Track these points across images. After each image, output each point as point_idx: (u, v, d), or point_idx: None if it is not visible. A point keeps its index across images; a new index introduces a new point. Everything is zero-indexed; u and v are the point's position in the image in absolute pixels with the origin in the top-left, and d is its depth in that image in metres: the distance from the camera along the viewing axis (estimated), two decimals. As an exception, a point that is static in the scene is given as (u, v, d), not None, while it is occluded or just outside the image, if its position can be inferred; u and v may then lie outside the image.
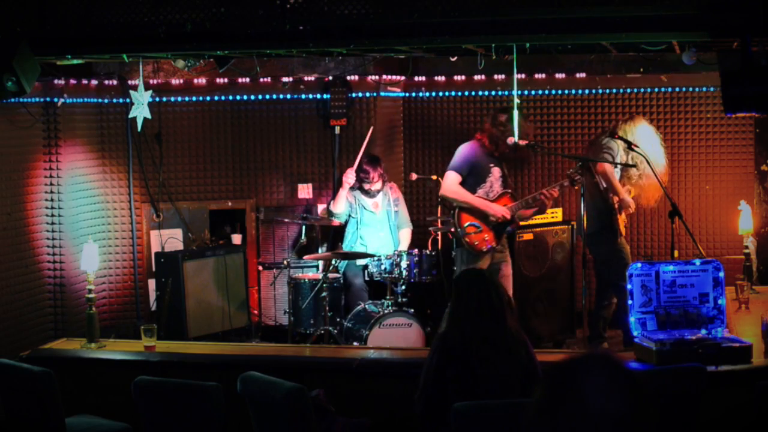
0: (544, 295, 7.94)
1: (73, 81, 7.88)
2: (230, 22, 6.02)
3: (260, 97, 8.63)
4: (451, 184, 7.01)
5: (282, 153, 8.72)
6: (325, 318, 7.49)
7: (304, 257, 8.18)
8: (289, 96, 8.65)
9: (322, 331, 7.52)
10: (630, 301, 5.40)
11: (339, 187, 8.17)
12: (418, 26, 5.87)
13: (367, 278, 7.91)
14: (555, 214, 8.14)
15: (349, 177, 7.98)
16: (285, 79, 8.51)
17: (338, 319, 7.70)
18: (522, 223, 7.89)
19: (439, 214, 7.85)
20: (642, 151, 6.86)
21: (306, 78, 8.65)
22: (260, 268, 8.67)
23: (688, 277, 5.41)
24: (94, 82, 8.13)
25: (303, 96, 8.66)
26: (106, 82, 8.21)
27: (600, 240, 7.17)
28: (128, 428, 5.20)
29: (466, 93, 8.92)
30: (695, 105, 8.66)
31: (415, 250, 7.58)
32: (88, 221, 8.10)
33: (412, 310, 7.47)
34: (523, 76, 8.62)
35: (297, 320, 7.76)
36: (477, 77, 8.84)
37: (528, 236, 7.87)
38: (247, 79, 8.50)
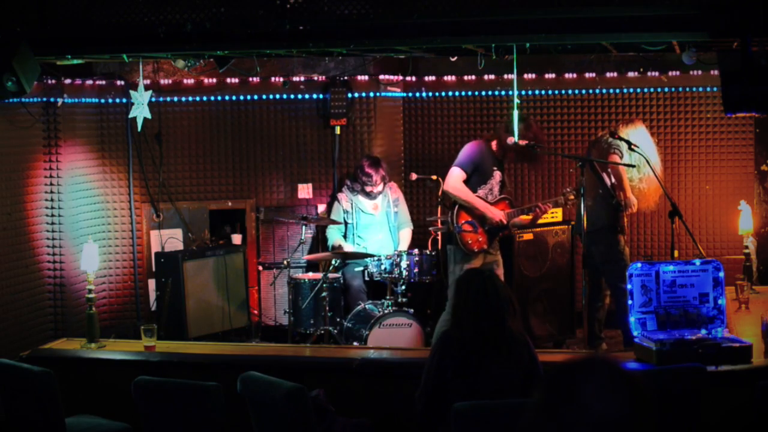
0: (544, 295, 7.94)
1: (73, 81, 7.88)
2: (230, 22, 6.02)
3: (260, 97, 8.63)
4: (455, 180, 6.98)
5: (282, 153, 8.71)
6: (325, 318, 7.49)
7: (304, 257, 8.19)
8: (289, 96, 8.65)
9: (322, 331, 7.52)
10: (630, 301, 5.40)
11: (338, 189, 8.21)
12: (418, 26, 5.87)
13: (366, 278, 7.91)
14: (555, 214, 8.14)
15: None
16: (285, 79, 8.51)
17: (338, 319, 7.70)
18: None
19: (438, 214, 7.85)
20: (642, 151, 6.86)
21: (306, 78, 8.65)
22: (260, 268, 8.67)
23: (688, 277, 5.41)
24: (94, 82, 8.13)
25: (303, 96, 8.66)
26: (106, 82, 8.21)
27: (601, 239, 7.17)
28: (128, 428, 5.20)
29: (466, 93, 8.92)
30: (695, 105, 8.66)
31: (415, 250, 7.58)
32: (88, 221, 8.10)
33: (412, 310, 7.47)
34: (524, 76, 8.62)
35: (297, 320, 7.77)
36: (477, 77, 8.84)
37: (528, 236, 7.87)
38: (247, 79, 8.50)
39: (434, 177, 8.13)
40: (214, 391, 4.48)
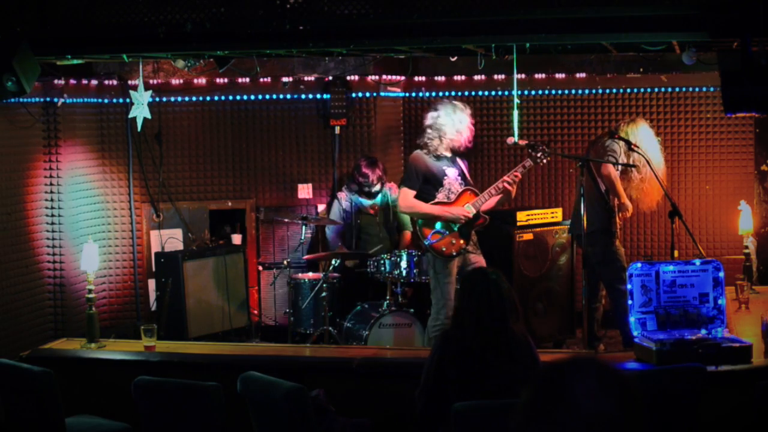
0: (544, 295, 7.94)
1: (73, 81, 7.89)
2: (230, 22, 6.02)
3: (260, 97, 8.63)
4: (404, 199, 6.85)
5: (282, 153, 8.72)
6: (325, 318, 7.49)
7: (304, 257, 8.19)
8: (289, 96, 8.65)
9: (322, 331, 7.52)
10: (630, 301, 5.40)
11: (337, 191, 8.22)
12: (418, 26, 5.87)
13: (371, 268, 7.84)
14: (555, 214, 8.14)
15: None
16: (285, 79, 8.51)
17: (338, 319, 7.70)
18: (521, 223, 7.89)
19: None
20: (642, 151, 6.86)
21: (306, 78, 8.65)
22: (260, 268, 8.68)
23: (688, 277, 5.41)
24: (94, 82, 8.13)
25: (303, 96, 8.66)
26: (106, 82, 8.21)
27: (595, 241, 7.17)
28: (128, 428, 5.20)
29: (466, 93, 8.92)
30: (695, 105, 8.67)
31: (415, 250, 7.57)
32: (88, 221, 8.10)
33: (412, 310, 7.47)
34: (523, 76, 8.63)
35: (297, 320, 7.77)
36: (477, 77, 8.84)
37: (528, 236, 7.87)
38: (247, 79, 8.50)
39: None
40: (214, 391, 4.48)
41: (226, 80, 8.48)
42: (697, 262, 5.45)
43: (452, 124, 6.85)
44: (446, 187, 6.85)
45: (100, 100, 8.21)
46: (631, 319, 5.39)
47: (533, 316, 7.80)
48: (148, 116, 7.21)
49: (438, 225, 6.83)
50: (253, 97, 8.62)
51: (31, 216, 7.58)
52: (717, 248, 8.47)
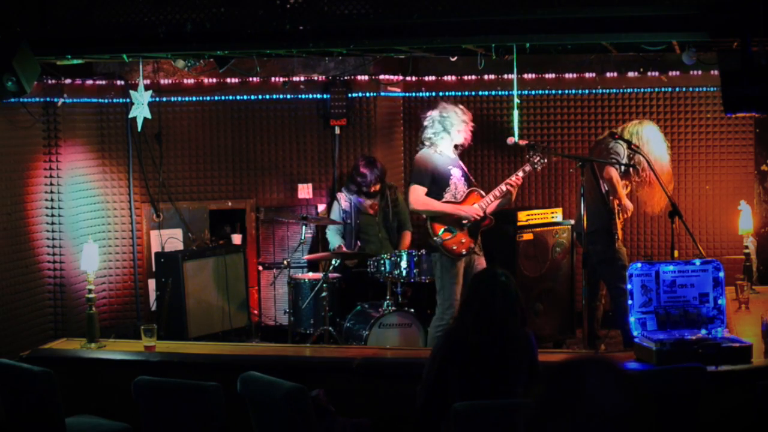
0: (544, 295, 7.94)
1: (73, 81, 7.88)
2: (230, 22, 6.02)
3: (260, 97, 8.63)
4: (417, 196, 6.90)
5: (282, 153, 8.72)
6: (325, 318, 7.49)
7: (304, 257, 8.19)
8: (289, 96, 8.65)
9: (322, 331, 7.52)
10: (630, 301, 5.40)
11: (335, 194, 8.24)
12: (418, 26, 5.87)
13: (371, 269, 7.85)
14: (555, 214, 8.14)
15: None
16: (285, 79, 8.51)
17: (338, 319, 7.70)
18: (521, 223, 7.89)
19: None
20: (644, 152, 6.85)
21: (306, 78, 8.65)
22: (260, 268, 8.67)
23: (688, 277, 5.41)
24: (94, 82, 8.13)
25: (303, 96, 8.66)
26: (106, 82, 8.21)
27: (596, 240, 7.17)
28: (128, 428, 5.20)
29: (466, 93, 8.92)
30: (695, 105, 8.67)
31: (415, 251, 7.57)
32: (88, 221, 8.10)
33: (413, 310, 7.47)
34: (524, 76, 8.63)
35: (297, 320, 7.76)
36: (477, 77, 8.84)
37: (528, 236, 7.87)
38: (247, 79, 8.50)
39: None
40: (214, 391, 4.48)
41: (226, 80, 8.48)
42: (697, 262, 5.45)
43: (459, 122, 6.93)
44: (452, 188, 6.91)
45: (100, 100, 8.21)
46: (631, 319, 5.39)
47: (533, 316, 7.80)
48: (148, 116, 7.21)
49: (449, 223, 6.88)
50: (253, 97, 8.62)
51: (31, 216, 7.58)
52: (717, 248, 8.47)
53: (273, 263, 8.65)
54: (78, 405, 5.49)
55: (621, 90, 8.75)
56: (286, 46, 6.37)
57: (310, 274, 8.06)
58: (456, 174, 6.94)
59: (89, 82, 8.09)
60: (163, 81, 8.43)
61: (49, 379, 4.74)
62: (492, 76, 8.82)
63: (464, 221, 6.88)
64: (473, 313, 4.49)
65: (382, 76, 8.81)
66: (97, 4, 6.11)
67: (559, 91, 8.84)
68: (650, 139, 7.17)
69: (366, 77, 8.73)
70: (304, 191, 8.72)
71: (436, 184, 6.89)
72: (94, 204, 8.18)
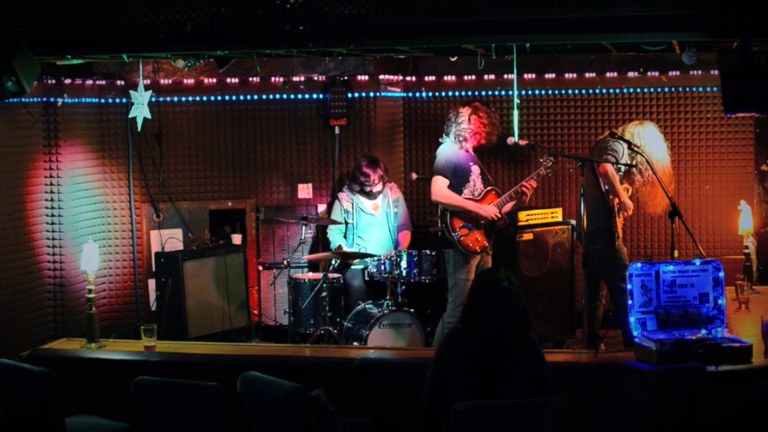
0: (544, 295, 7.94)
1: (73, 81, 7.88)
2: (230, 22, 6.02)
3: (260, 97, 8.63)
4: (441, 188, 7.07)
5: (282, 153, 8.72)
6: (325, 318, 7.49)
7: (304, 257, 8.19)
8: (289, 96, 8.65)
9: (322, 331, 7.52)
10: (630, 301, 5.40)
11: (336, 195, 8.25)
12: (418, 26, 5.87)
13: (367, 278, 7.90)
14: (555, 214, 8.14)
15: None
16: (285, 79, 8.51)
17: (338, 319, 7.70)
18: (521, 223, 7.90)
19: (439, 214, 7.85)
20: (642, 150, 6.85)
21: (306, 78, 8.65)
22: (260, 268, 8.67)
23: (688, 277, 5.41)
24: (94, 82, 8.13)
25: (303, 96, 8.66)
26: (106, 82, 8.21)
27: (597, 239, 7.18)
28: (128, 428, 5.20)
29: (466, 93, 8.92)
30: (695, 105, 8.67)
31: (415, 250, 7.58)
32: (88, 221, 8.10)
33: (413, 310, 7.48)
34: (524, 76, 8.62)
35: (297, 320, 7.76)
36: (477, 77, 8.84)
37: (528, 236, 7.87)
38: (247, 79, 8.50)
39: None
40: (214, 391, 4.48)
41: (226, 80, 8.48)
42: (697, 262, 5.45)
43: (489, 123, 7.13)
44: (471, 184, 7.07)
45: (100, 100, 8.21)
46: (631, 319, 5.39)
47: (533, 316, 7.80)
48: (148, 116, 7.21)
49: (467, 220, 6.97)
50: (253, 97, 8.62)
51: (31, 216, 7.58)
52: (717, 248, 8.47)
53: (273, 263, 8.65)
54: (78, 405, 5.49)
55: (621, 90, 8.75)
56: (286, 46, 6.37)
57: (310, 274, 8.06)
58: (475, 171, 7.16)
59: (89, 82, 8.09)
60: (163, 81, 8.43)
61: (49, 379, 4.74)
62: (492, 76, 8.81)
63: (482, 220, 6.97)
64: (475, 318, 4.47)
65: (382, 76, 8.81)
66: (97, 4, 6.11)
67: (559, 91, 8.84)
68: (651, 139, 7.18)
69: (366, 77, 8.73)
70: (304, 191, 8.72)
71: (458, 178, 7.07)
72: (94, 204, 8.18)
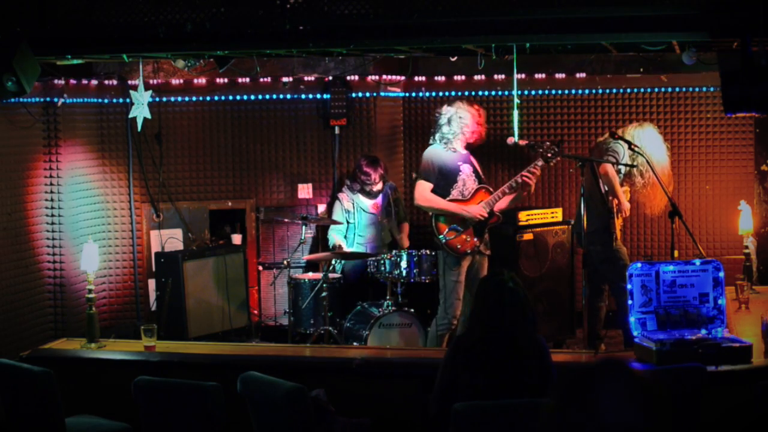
0: (544, 295, 7.94)
1: (73, 81, 7.88)
2: (230, 22, 6.02)
3: (260, 97, 8.63)
4: (421, 193, 6.98)
5: (282, 153, 8.72)
6: (325, 318, 7.49)
7: (304, 257, 8.18)
8: (289, 96, 8.65)
9: (322, 331, 7.52)
10: (630, 301, 5.40)
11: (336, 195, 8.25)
12: (418, 26, 5.87)
13: (370, 269, 7.85)
14: (555, 214, 8.14)
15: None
16: (285, 79, 8.51)
17: (338, 319, 7.70)
18: (521, 223, 7.90)
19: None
20: (642, 150, 6.85)
21: (306, 78, 8.65)
22: (260, 268, 8.67)
23: (688, 277, 5.41)
24: (94, 82, 8.13)
25: (303, 96, 8.66)
26: (106, 82, 8.21)
27: (596, 240, 7.18)
28: (128, 428, 5.20)
29: (466, 93, 8.92)
30: (695, 105, 8.67)
31: (415, 250, 7.57)
32: (88, 221, 8.10)
33: (413, 310, 7.47)
34: (523, 76, 8.62)
35: (297, 320, 7.76)
36: (477, 77, 8.84)
37: (528, 236, 7.87)
38: (247, 79, 8.50)
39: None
40: (214, 391, 4.48)
41: (226, 80, 8.48)
42: (697, 262, 5.45)
43: (473, 122, 6.98)
44: (460, 184, 6.98)
45: (100, 100, 8.21)
46: (631, 319, 5.39)
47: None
48: (148, 116, 7.21)
49: (453, 222, 6.91)
50: (253, 97, 8.62)
51: (31, 216, 7.58)
52: (717, 248, 8.47)
53: (273, 263, 8.65)
54: (78, 405, 5.49)
55: (621, 90, 8.75)
56: (286, 46, 6.37)
57: (310, 274, 8.06)
58: (465, 170, 7.03)
59: (89, 82, 8.09)
60: (163, 81, 8.43)
61: (49, 379, 4.74)
62: (492, 76, 8.82)
63: (468, 220, 6.92)
64: (483, 322, 4.45)
65: (382, 76, 8.81)
66: (97, 4, 6.11)
67: (559, 91, 8.84)
68: (650, 141, 7.18)
69: (366, 77, 8.73)
70: (304, 191, 8.72)
71: (445, 179, 6.97)
72: (94, 204, 8.18)
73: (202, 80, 8.47)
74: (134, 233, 8.36)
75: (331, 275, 7.70)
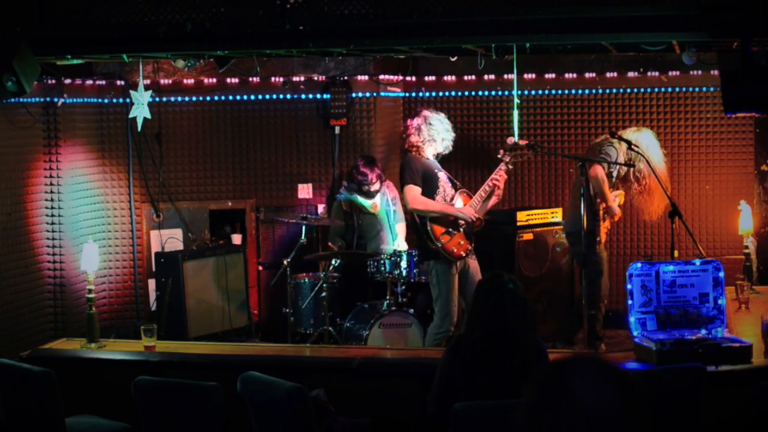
0: (544, 295, 7.94)
1: (73, 81, 7.88)
2: (230, 22, 6.02)
3: (260, 97, 8.63)
4: (416, 196, 6.79)
5: (282, 153, 8.72)
6: (325, 318, 7.49)
7: (304, 257, 8.18)
8: (289, 96, 8.65)
9: (322, 331, 7.52)
10: (630, 301, 5.40)
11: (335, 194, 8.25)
12: (418, 26, 5.87)
13: (372, 269, 7.84)
14: (555, 214, 8.15)
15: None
16: (285, 79, 8.51)
17: (338, 319, 7.70)
18: (521, 223, 7.90)
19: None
20: (642, 150, 6.86)
21: (306, 78, 8.65)
22: (260, 268, 8.67)
23: (688, 277, 5.41)
24: (94, 82, 8.13)
25: (303, 96, 8.66)
26: (106, 82, 8.21)
27: (579, 241, 7.20)
28: (128, 428, 5.20)
29: (466, 93, 8.92)
30: (695, 105, 8.67)
31: (415, 250, 7.57)
32: (88, 221, 8.10)
33: (412, 310, 7.47)
34: (524, 76, 8.62)
35: (297, 320, 7.76)
36: (477, 77, 8.84)
37: (528, 236, 7.88)
38: (247, 79, 8.50)
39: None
40: (214, 391, 4.48)
41: (226, 80, 8.48)
42: (697, 262, 5.45)
43: (444, 130, 6.96)
44: (441, 190, 6.90)
45: (100, 100, 8.21)
46: (631, 319, 5.39)
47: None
48: (148, 116, 7.21)
49: (446, 225, 6.86)
50: (253, 97, 8.62)
51: (31, 216, 7.58)
52: (717, 248, 8.47)
53: (273, 263, 8.64)
54: (78, 405, 5.49)
55: (621, 90, 8.75)
56: (286, 46, 6.37)
57: (310, 274, 8.06)
58: (443, 177, 6.95)
59: (89, 82, 8.09)
60: (163, 81, 8.43)
61: (49, 379, 4.74)
62: (492, 76, 8.82)
63: (461, 222, 6.86)
64: (482, 323, 4.44)
65: (382, 76, 8.81)
66: (97, 4, 6.11)
67: (559, 91, 8.84)
68: (647, 146, 7.19)
69: (366, 77, 8.74)
70: (304, 191, 8.72)
71: (427, 185, 6.85)
72: (94, 204, 8.18)
73: (202, 80, 8.47)
74: (134, 233, 8.36)
75: (331, 275, 7.69)
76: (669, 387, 4.52)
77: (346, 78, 8.66)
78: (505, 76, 8.70)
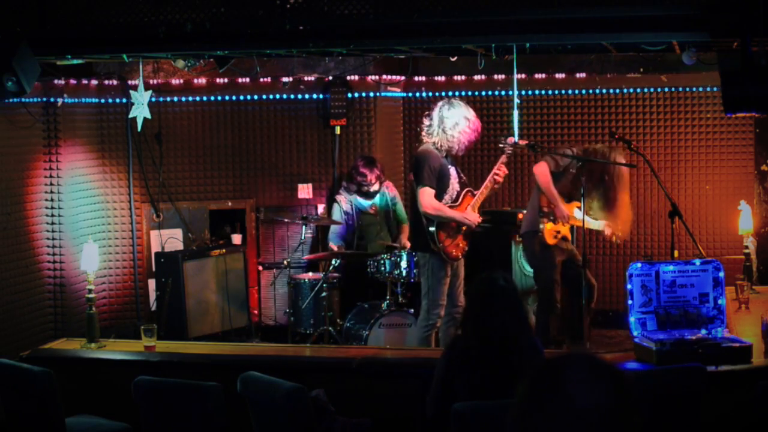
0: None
1: (73, 81, 7.88)
2: (230, 22, 6.02)
3: (260, 97, 8.63)
4: (430, 201, 6.67)
5: (282, 153, 8.72)
6: (325, 318, 7.49)
7: (304, 257, 8.18)
8: (289, 96, 8.65)
9: (322, 331, 7.52)
10: (630, 301, 5.40)
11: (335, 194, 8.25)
12: (418, 26, 5.87)
13: (371, 269, 7.83)
14: (555, 214, 8.13)
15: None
16: (285, 79, 8.51)
17: (338, 320, 7.70)
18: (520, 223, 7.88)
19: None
20: (644, 155, 6.86)
21: (306, 78, 8.65)
22: (260, 268, 8.68)
23: (688, 277, 5.41)
24: (94, 82, 8.13)
25: (303, 96, 8.66)
26: (106, 82, 8.21)
27: (528, 243, 7.21)
28: (128, 428, 5.20)
29: (466, 93, 8.92)
30: (695, 105, 8.67)
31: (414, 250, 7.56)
32: (88, 221, 8.10)
33: (412, 311, 7.47)
34: (523, 76, 8.62)
35: (297, 320, 7.77)
36: (477, 77, 8.84)
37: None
38: (247, 79, 8.50)
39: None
40: (214, 391, 4.48)
41: (226, 80, 8.48)
42: (697, 262, 5.45)
43: (466, 125, 6.76)
44: (451, 188, 6.82)
45: (100, 100, 8.21)
46: (631, 319, 5.39)
47: (533, 316, 7.78)
48: (148, 116, 7.21)
49: (449, 229, 6.83)
50: (253, 97, 8.62)
51: (31, 216, 7.58)
52: (717, 248, 8.47)
53: (273, 263, 8.65)
54: (78, 405, 5.49)
55: (621, 90, 8.75)
56: (286, 46, 6.37)
57: (310, 274, 8.06)
58: (453, 174, 6.88)
59: (89, 82, 8.09)
60: (163, 81, 8.43)
61: (49, 379, 4.74)
62: (492, 76, 8.82)
63: (464, 227, 6.83)
64: (475, 320, 4.44)
65: (382, 76, 8.81)
66: (97, 4, 6.11)
67: (559, 91, 8.84)
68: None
69: (366, 77, 8.74)
70: (304, 191, 8.72)
71: (440, 185, 6.78)
72: (94, 204, 8.18)
73: (202, 80, 8.47)
74: (134, 233, 8.36)
75: (331, 275, 7.70)
76: (669, 387, 4.53)
77: (346, 78, 8.66)
78: (505, 76, 8.70)
